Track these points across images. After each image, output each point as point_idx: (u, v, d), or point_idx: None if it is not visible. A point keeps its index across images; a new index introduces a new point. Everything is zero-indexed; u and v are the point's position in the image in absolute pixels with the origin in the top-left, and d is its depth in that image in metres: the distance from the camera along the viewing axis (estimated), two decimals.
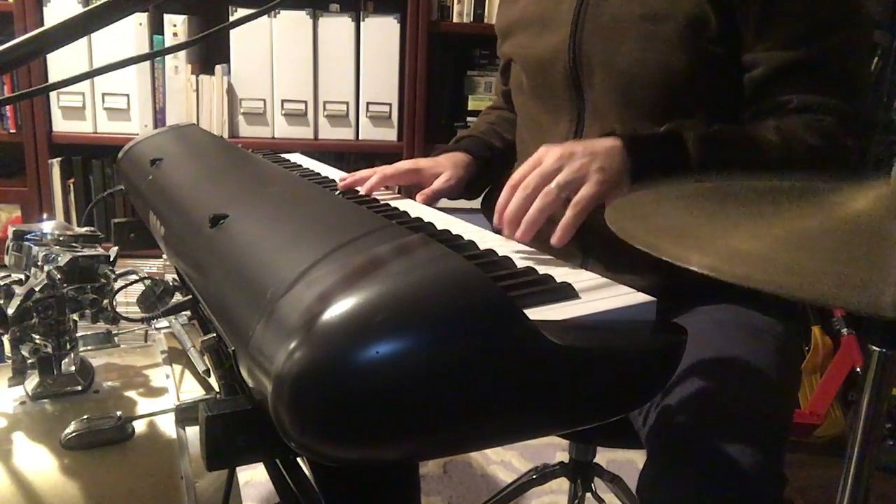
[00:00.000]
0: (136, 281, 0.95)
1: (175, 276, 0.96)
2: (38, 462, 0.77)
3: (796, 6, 0.89)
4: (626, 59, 0.95)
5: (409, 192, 1.08)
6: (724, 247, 0.55)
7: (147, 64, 2.27)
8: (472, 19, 2.30)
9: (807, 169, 0.85)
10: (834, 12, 0.89)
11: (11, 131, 2.27)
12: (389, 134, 2.35)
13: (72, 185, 2.34)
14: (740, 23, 0.90)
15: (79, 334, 0.92)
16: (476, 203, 1.25)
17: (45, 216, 2.29)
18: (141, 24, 2.21)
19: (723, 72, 0.93)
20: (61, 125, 2.29)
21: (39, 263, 0.88)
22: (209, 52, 2.36)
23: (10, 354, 0.86)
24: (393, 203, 0.99)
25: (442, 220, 0.89)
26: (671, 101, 0.94)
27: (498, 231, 0.83)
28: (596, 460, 1.34)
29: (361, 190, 1.04)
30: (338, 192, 1.03)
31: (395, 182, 1.08)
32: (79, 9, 0.61)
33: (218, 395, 0.70)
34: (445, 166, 1.11)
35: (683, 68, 0.92)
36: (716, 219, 0.62)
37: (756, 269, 0.51)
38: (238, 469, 0.63)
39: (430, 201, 1.04)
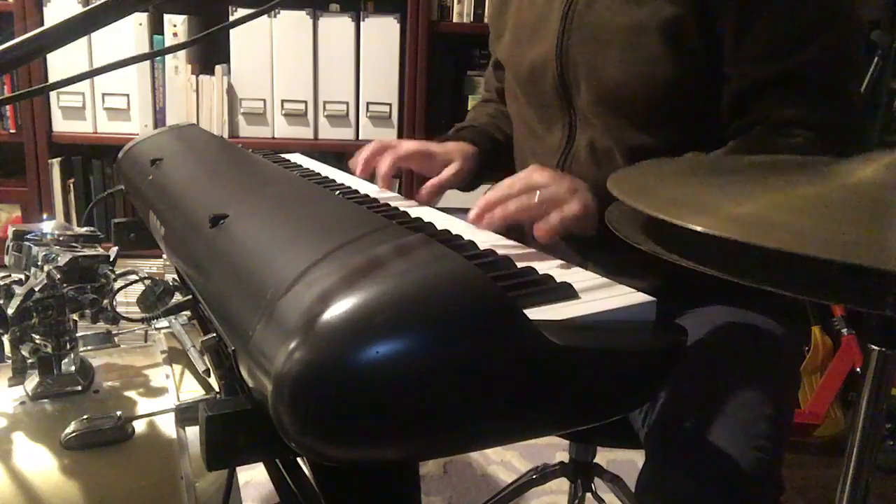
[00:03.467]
0: (136, 281, 0.95)
1: (175, 276, 0.96)
2: (38, 462, 0.77)
3: (771, 17, 0.87)
4: (611, 70, 0.94)
5: (409, 194, 1.08)
6: (728, 213, 0.54)
7: (147, 64, 2.27)
8: (472, 19, 2.30)
9: None
10: (813, 18, 0.87)
11: (11, 131, 2.28)
12: (389, 134, 2.35)
13: (72, 185, 2.34)
14: (721, 34, 0.89)
15: (79, 334, 0.92)
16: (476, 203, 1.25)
17: (45, 216, 2.29)
18: (141, 24, 2.21)
19: (708, 82, 0.92)
20: (61, 125, 2.29)
21: (39, 263, 0.88)
22: (209, 52, 2.36)
23: (10, 354, 0.86)
24: (393, 203, 0.99)
25: (442, 220, 0.89)
26: (657, 111, 0.94)
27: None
28: (596, 460, 1.34)
29: (379, 180, 1.02)
30: (355, 186, 1.02)
31: (405, 165, 1.05)
32: (79, 9, 0.61)
33: (218, 395, 0.70)
34: (455, 155, 1.09)
35: (667, 79, 0.91)
36: (719, 189, 0.62)
37: (759, 231, 0.50)
38: (238, 469, 0.63)
39: (436, 192, 1.02)
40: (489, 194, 0.80)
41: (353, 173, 1.10)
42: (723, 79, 0.91)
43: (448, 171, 1.06)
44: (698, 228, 0.50)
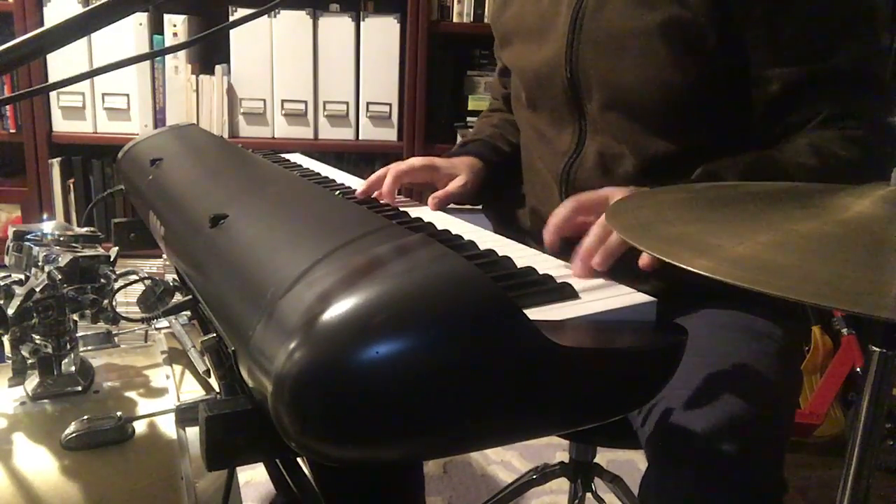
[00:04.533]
0: (136, 281, 0.95)
1: (175, 276, 0.96)
2: (39, 462, 0.77)
3: (806, 18, 0.86)
4: (625, 76, 0.93)
5: (416, 193, 1.07)
6: (727, 252, 0.55)
7: (147, 64, 2.27)
8: (472, 19, 2.30)
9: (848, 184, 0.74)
10: (845, 19, 0.87)
11: (11, 131, 2.27)
12: (389, 134, 2.35)
13: (72, 185, 2.34)
14: (745, 38, 0.88)
15: (79, 334, 0.92)
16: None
17: (45, 216, 2.29)
18: (141, 24, 2.21)
19: (726, 86, 0.91)
20: (61, 125, 2.29)
21: (40, 264, 0.88)
22: (209, 52, 2.36)
23: (10, 354, 0.85)
24: (394, 204, 0.99)
25: (442, 220, 0.89)
26: (673, 117, 0.93)
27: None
28: (596, 460, 1.33)
29: (381, 195, 1.01)
30: (355, 186, 1.02)
31: (409, 179, 1.04)
32: (79, 9, 0.61)
33: (218, 396, 0.70)
34: (461, 169, 1.09)
35: (683, 84, 0.90)
36: (717, 224, 0.62)
37: (759, 273, 0.51)
38: (238, 469, 0.63)
39: (443, 204, 1.02)
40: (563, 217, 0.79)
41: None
42: (746, 82, 0.90)
43: (455, 184, 1.05)
44: (702, 272, 0.51)
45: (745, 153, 0.88)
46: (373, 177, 1.02)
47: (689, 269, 0.52)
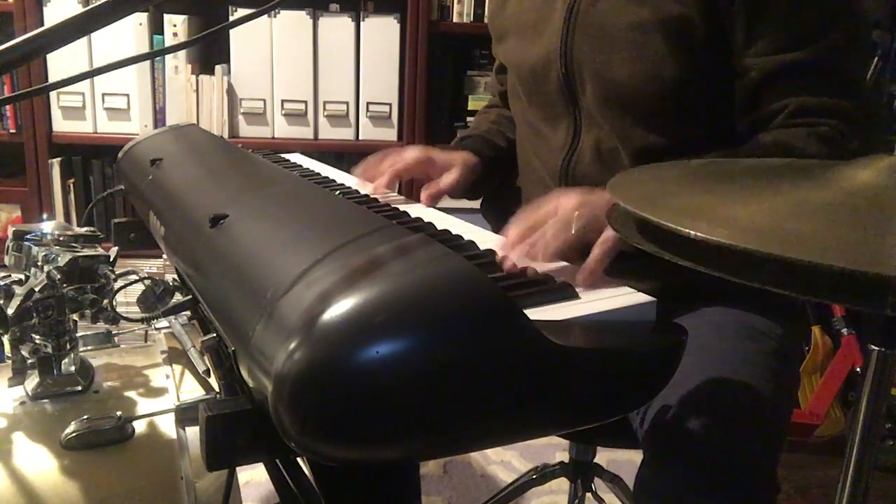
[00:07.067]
0: (136, 281, 0.95)
1: (175, 276, 0.96)
2: (39, 462, 0.77)
3: (785, 9, 0.87)
4: (617, 69, 0.93)
5: (416, 191, 1.07)
6: (742, 222, 0.54)
7: (147, 64, 2.27)
8: (472, 19, 2.30)
9: None
10: (824, 12, 0.87)
11: (11, 131, 2.27)
12: (389, 134, 2.35)
13: (72, 185, 2.34)
14: (728, 29, 0.89)
15: (79, 334, 0.92)
16: (476, 203, 1.25)
17: (45, 216, 2.29)
18: (141, 24, 2.21)
19: (716, 79, 0.92)
20: (61, 125, 2.29)
21: (39, 264, 0.88)
22: (209, 52, 2.36)
23: (10, 354, 0.86)
24: (393, 203, 0.99)
25: (442, 220, 0.89)
26: (665, 110, 0.93)
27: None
28: (596, 460, 1.34)
29: (372, 190, 1.01)
30: (355, 186, 1.02)
31: (407, 176, 1.05)
32: (79, 9, 0.61)
33: (218, 395, 0.70)
34: (457, 162, 1.09)
35: (674, 77, 0.90)
36: (725, 196, 0.61)
37: (764, 239, 0.50)
38: (238, 469, 0.63)
39: (434, 201, 1.02)
40: (513, 227, 0.75)
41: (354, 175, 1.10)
42: (733, 74, 0.91)
43: (446, 179, 1.05)
44: (722, 241, 0.50)
45: (706, 153, 0.87)
46: (369, 160, 1.04)
47: (707, 237, 0.50)
